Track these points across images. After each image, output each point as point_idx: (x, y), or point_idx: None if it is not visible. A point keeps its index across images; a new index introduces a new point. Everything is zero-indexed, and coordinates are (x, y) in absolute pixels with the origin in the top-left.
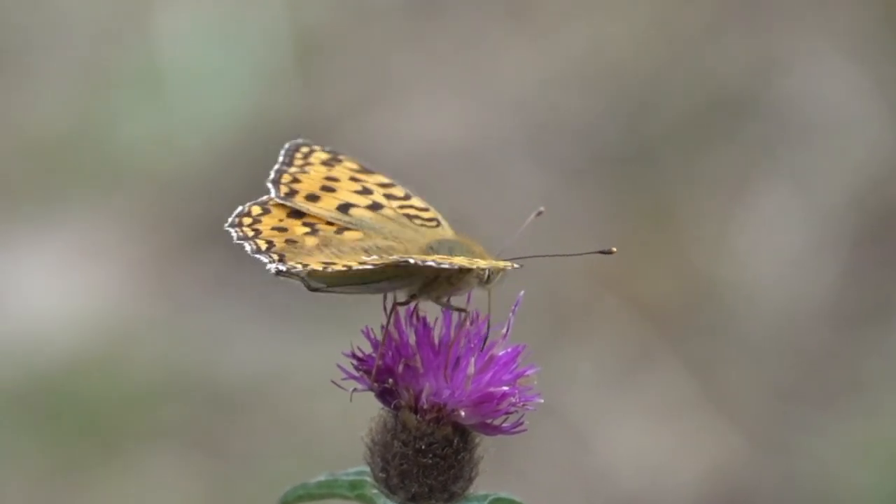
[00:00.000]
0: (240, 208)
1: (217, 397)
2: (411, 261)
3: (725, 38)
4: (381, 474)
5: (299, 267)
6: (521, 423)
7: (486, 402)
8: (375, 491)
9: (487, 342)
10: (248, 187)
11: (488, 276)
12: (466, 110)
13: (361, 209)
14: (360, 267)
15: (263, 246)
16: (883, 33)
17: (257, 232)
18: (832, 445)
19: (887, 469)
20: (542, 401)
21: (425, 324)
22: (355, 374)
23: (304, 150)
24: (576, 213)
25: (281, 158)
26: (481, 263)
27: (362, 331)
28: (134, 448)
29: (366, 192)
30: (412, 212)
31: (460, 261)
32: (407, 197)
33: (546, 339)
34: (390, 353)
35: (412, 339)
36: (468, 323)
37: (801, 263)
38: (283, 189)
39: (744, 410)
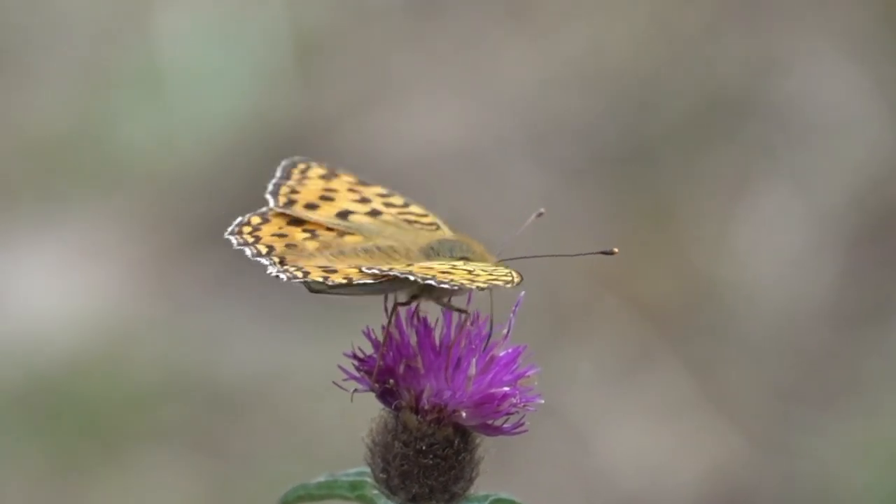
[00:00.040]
0: (239, 218)
1: (217, 397)
2: (411, 278)
3: (725, 38)
4: (381, 475)
5: (300, 275)
6: (522, 424)
7: (487, 403)
8: (376, 492)
9: (488, 342)
10: (248, 187)
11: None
12: (466, 110)
13: (360, 215)
14: (362, 281)
15: (264, 250)
16: (883, 33)
17: (257, 238)
18: (832, 445)
19: (887, 469)
20: (542, 401)
21: (426, 324)
22: (356, 374)
23: (302, 166)
24: (576, 213)
25: (278, 174)
26: (481, 281)
27: (363, 331)
28: (134, 448)
29: (364, 200)
30: (411, 217)
31: (460, 277)
32: (406, 205)
33: (546, 339)
34: (391, 354)
35: (413, 340)
36: (469, 324)
37: (801, 263)
38: (282, 199)
39: (744, 410)
